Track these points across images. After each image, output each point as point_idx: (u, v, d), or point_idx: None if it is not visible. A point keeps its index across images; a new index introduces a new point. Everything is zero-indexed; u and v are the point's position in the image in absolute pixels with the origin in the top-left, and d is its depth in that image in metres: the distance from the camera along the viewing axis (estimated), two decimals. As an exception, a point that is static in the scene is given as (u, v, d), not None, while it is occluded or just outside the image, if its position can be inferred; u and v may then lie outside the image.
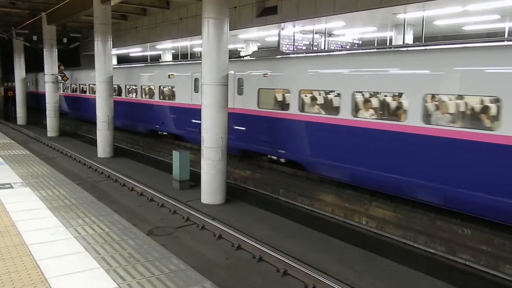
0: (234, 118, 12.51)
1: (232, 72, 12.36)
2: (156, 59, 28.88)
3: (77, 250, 4.84)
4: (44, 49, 22.29)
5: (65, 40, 22.83)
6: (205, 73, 10.13)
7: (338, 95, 10.05)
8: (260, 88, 12.24)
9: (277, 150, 11.99)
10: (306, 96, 11.19)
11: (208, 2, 9.90)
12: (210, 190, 10.44)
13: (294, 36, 16.46)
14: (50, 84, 22.58)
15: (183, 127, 15.86)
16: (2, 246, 4.85)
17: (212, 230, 8.53)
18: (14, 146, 12.43)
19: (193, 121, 14.48)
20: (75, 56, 32.57)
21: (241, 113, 12.84)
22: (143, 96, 18.57)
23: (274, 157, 13.07)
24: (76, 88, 25.72)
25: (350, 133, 9.69)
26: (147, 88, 18.46)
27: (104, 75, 16.27)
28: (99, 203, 6.96)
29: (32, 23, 22.28)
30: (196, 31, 17.98)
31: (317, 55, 12.36)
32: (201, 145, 10.46)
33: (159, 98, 17.16)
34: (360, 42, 18.28)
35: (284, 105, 11.72)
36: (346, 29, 17.03)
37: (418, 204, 9.41)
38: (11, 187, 7.51)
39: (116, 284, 4.08)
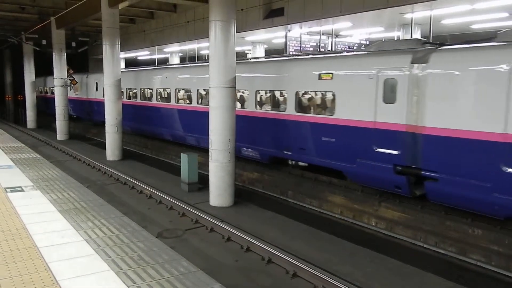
0: (502, 151, 7.43)
1: (493, 67, 7.57)
2: (163, 62, 28.99)
3: (87, 253, 4.88)
4: (53, 53, 22.54)
5: (74, 44, 23.05)
6: (213, 76, 10.16)
7: None
8: None
9: None
10: None
11: (215, 5, 9.94)
12: (219, 192, 10.46)
13: (301, 38, 16.45)
14: (59, 88, 22.80)
15: (351, 158, 10.01)
16: (14, 249, 4.90)
17: (221, 232, 8.54)
18: (25, 149, 12.54)
19: (378, 150, 9.41)
20: (84, 60, 32.88)
21: None
22: (258, 107, 12.90)
23: None
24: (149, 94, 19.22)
25: None
26: (266, 95, 13.09)
27: (112, 79, 16.38)
28: (109, 205, 7.00)
29: (42, 27, 22.55)
30: (203, 34, 18.02)
31: None
32: (209, 147, 10.49)
33: (296, 111, 11.37)
34: (368, 42, 18.22)
35: None
36: (353, 30, 16.99)
37: (427, 204, 9.35)
38: (22, 190, 7.58)
39: (127, 286, 4.10)
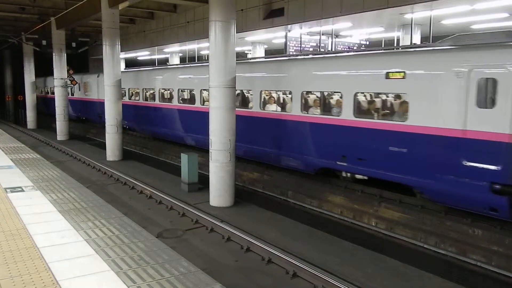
0: None
1: None
2: (163, 62, 29.00)
3: (88, 253, 4.88)
4: (53, 54, 22.56)
5: (74, 44, 23.07)
6: (213, 76, 10.17)
7: None
8: None
9: None
10: None
11: (215, 5, 9.94)
12: (219, 192, 10.46)
13: (301, 38, 16.46)
14: (60, 88, 22.81)
15: (429, 172, 8.46)
16: (14, 249, 4.90)
17: (221, 232, 8.54)
18: (25, 150, 12.55)
19: (468, 164, 7.87)
20: (84, 60, 32.89)
21: None
22: (304, 111, 11.13)
23: None
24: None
25: None
26: (314, 98, 11.36)
27: (112, 79, 16.39)
28: (109, 206, 7.01)
29: (42, 28, 22.55)
30: (203, 34, 18.04)
31: None
32: (209, 147, 10.49)
33: (355, 116, 9.75)
34: (368, 42, 18.24)
35: None
36: (353, 30, 17.00)
37: (427, 205, 9.35)
38: (22, 190, 7.59)
39: (127, 287, 4.10)
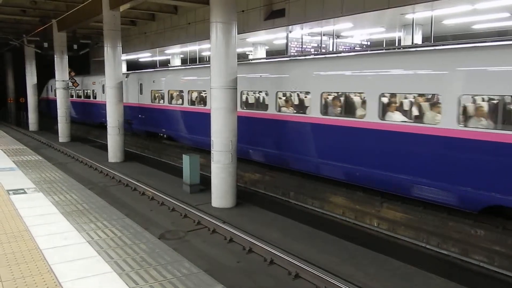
0: None
1: None
2: (164, 64, 28.98)
3: (90, 254, 4.89)
4: (55, 56, 22.63)
5: (75, 46, 23.12)
6: (214, 77, 10.18)
7: None
8: None
9: None
10: None
11: (216, 7, 9.96)
12: (221, 193, 10.46)
13: (302, 39, 16.46)
14: (61, 90, 22.86)
15: None
16: (17, 251, 4.91)
17: (223, 233, 8.54)
18: (27, 152, 12.57)
19: None
20: (85, 63, 32.94)
21: None
22: (460, 123, 7.82)
23: None
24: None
25: None
26: (486, 105, 8.16)
27: (114, 81, 16.42)
28: (111, 207, 7.01)
29: (43, 30, 22.62)
30: (204, 36, 18.04)
31: None
32: (211, 148, 10.50)
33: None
34: (369, 43, 18.24)
35: None
36: (354, 31, 16.99)
37: (429, 205, 9.34)
38: (24, 192, 7.60)
39: (129, 288, 4.11)
